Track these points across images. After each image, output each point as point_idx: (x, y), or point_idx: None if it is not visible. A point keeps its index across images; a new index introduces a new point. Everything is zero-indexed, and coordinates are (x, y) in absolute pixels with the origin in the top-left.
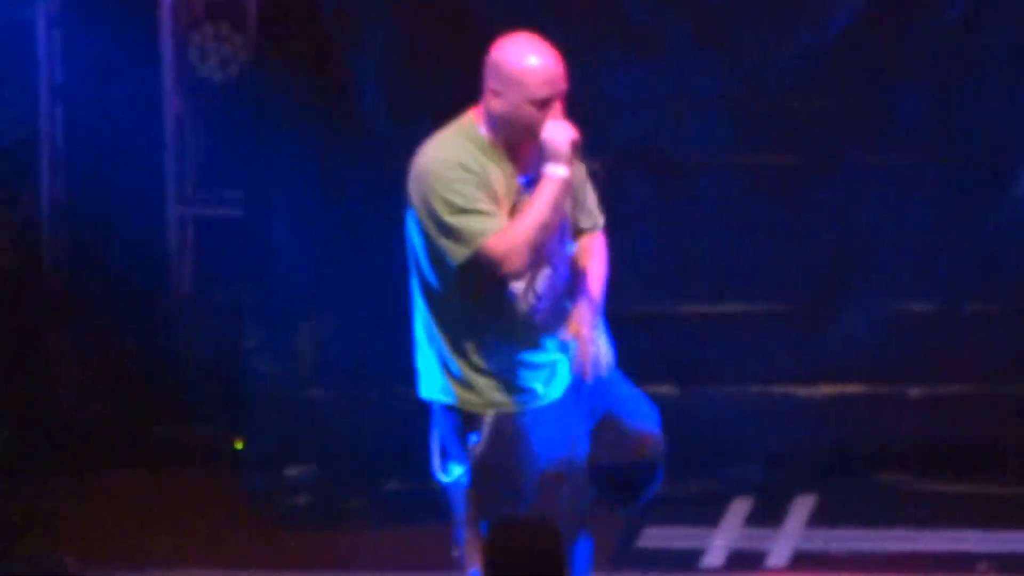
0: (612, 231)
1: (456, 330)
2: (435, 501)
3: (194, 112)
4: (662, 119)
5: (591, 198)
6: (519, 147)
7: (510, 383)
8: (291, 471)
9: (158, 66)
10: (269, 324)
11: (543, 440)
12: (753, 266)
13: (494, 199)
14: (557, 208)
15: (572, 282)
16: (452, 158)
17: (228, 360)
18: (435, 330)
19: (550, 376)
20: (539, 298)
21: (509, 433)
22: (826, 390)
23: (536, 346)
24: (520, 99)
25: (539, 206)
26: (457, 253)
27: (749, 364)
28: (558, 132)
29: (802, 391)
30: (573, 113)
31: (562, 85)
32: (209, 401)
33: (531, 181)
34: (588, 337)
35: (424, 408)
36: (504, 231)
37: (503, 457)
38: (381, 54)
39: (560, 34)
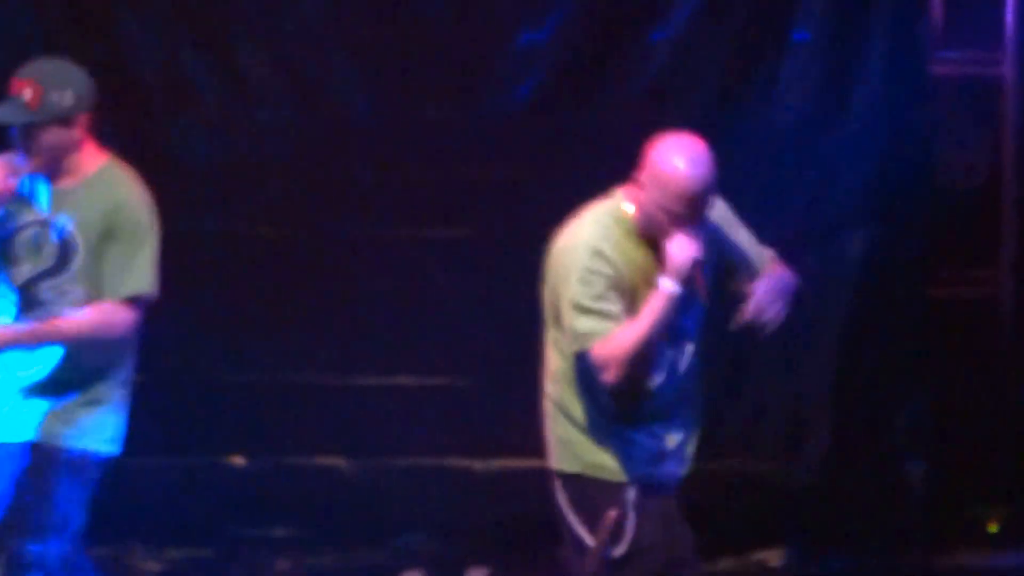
0: (280, 302)
1: (593, 395)
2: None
3: None
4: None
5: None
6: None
7: (645, 452)
8: None
9: None
10: None
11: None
12: (426, 338)
13: (623, 293)
14: (661, 323)
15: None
16: (594, 243)
17: None
18: (575, 395)
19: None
20: (651, 396)
21: (650, 509)
22: (501, 464)
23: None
24: (656, 200)
25: (644, 320)
26: (568, 344)
27: (423, 437)
28: (681, 247)
29: (477, 464)
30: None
31: (699, 203)
32: None
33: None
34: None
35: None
36: (609, 338)
37: (650, 536)
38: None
39: None
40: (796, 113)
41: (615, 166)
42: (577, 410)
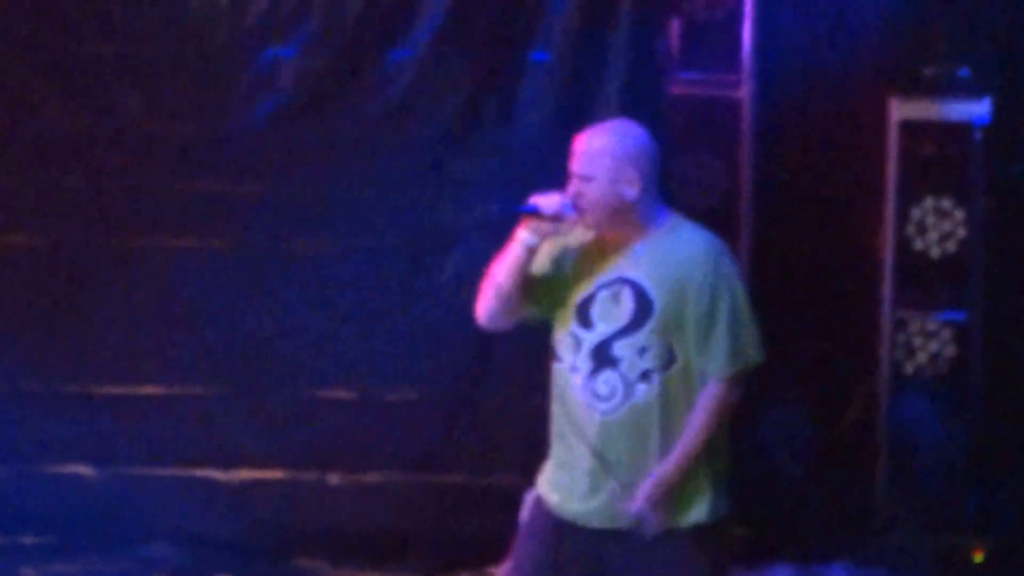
0: (26, 311)
1: None
2: None
3: None
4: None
5: (721, 337)
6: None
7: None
8: None
9: None
10: None
11: None
12: (173, 349)
13: (563, 253)
14: (506, 268)
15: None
16: None
17: None
18: None
19: (569, 487)
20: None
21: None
22: (244, 474)
23: (567, 443)
24: None
25: (500, 259)
26: None
27: (166, 446)
28: (541, 200)
29: (220, 475)
30: None
31: (572, 164)
32: None
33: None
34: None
35: None
36: None
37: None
38: None
39: None
40: (535, 132)
41: (357, 182)
42: None
